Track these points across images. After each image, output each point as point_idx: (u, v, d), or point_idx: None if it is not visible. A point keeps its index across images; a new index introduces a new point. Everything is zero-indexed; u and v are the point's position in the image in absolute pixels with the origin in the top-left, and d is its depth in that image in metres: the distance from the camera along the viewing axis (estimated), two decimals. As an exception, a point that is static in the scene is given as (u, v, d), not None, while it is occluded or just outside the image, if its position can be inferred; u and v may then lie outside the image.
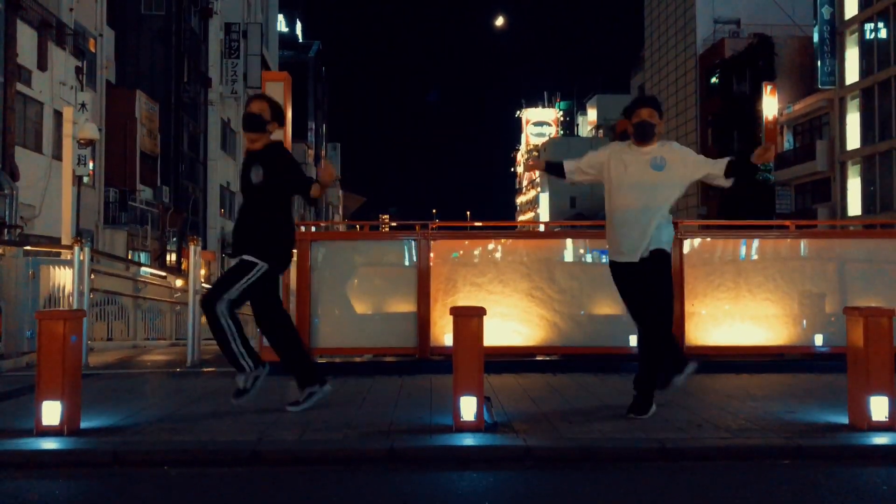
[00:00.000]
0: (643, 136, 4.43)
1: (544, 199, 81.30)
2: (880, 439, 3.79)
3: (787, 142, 37.27)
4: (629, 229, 4.38)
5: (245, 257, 4.41)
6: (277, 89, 5.70)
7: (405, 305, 6.47)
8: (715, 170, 4.45)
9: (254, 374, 4.46)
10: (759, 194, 37.51)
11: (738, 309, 6.53)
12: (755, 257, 6.71)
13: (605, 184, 4.55)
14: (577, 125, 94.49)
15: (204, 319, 4.64)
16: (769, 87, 36.90)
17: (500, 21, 52.90)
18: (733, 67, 40.49)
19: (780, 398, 4.93)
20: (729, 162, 4.43)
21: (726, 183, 4.47)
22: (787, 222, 6.92)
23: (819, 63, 33.54)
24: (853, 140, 32.55)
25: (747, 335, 6.51)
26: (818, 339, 6.61)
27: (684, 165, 4.44)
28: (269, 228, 4.46)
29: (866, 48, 31.80)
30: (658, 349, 4.38)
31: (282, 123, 4.65)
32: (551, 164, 4.89)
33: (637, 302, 4.40)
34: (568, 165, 4.75)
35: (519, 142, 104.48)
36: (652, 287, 4.34)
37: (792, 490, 3.31)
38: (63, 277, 7.61)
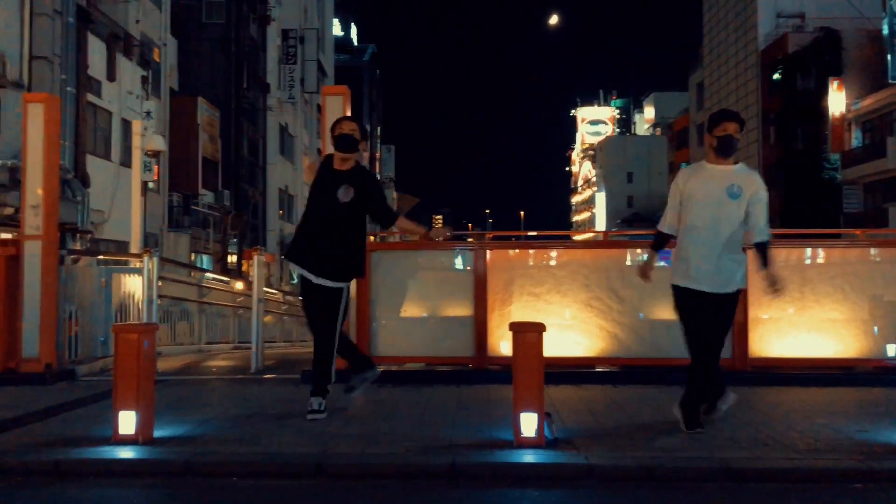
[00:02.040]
0: (727, 150, 4.32)
1: (600, 198, 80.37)
2: (959, 463, 3.65)
3: (856, 139, 35.94)
4: (703, 257, 4.29)
5: (330, 285, 4.70)
6: (337, 102, 5.77)
7: (462, 315, 6.51)
8: (756, 232, 4.31)
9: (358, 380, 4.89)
10: (826, 194, 36.28)
11: (804, 319, 6.36)
12: (821, 266, 6.52)
13: (682, 210, 4.43)
14: (634, 123, 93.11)
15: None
16: (836, 83, 35.63)
17: (554, 19, 52.44)
18: (797, 63, 39.22)
19: (851, 415, 4.79)
20: (760, 245, 4.30)
21: (748, 244, 4.40)
22: (856, 231, 6.69)
23: (889, 57, 32.23)
24: (926, 136, 31.20)
25: (814, 347, 6.33)
26: (891, 351, 6.38)
27: (748, 202, 4.30)
28: (354, 247, 4.73)
29: (940, 40, 30.44)
30: (706, 377, 4.36)
31: (366, 139, 4.88)
32: (656, 245, 4.66)
33: (700, 331, 4.34)
34: (664, 227, 4.53)
35: (574, 141, 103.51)
36: (721, 322, 4.33)
37: (864, 516, 3.23)
38: (133, 285, 7.90)
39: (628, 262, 6.62)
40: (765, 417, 4.69)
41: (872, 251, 6.61)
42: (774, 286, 4.26)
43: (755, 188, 4.32)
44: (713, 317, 4.32)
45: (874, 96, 34.32)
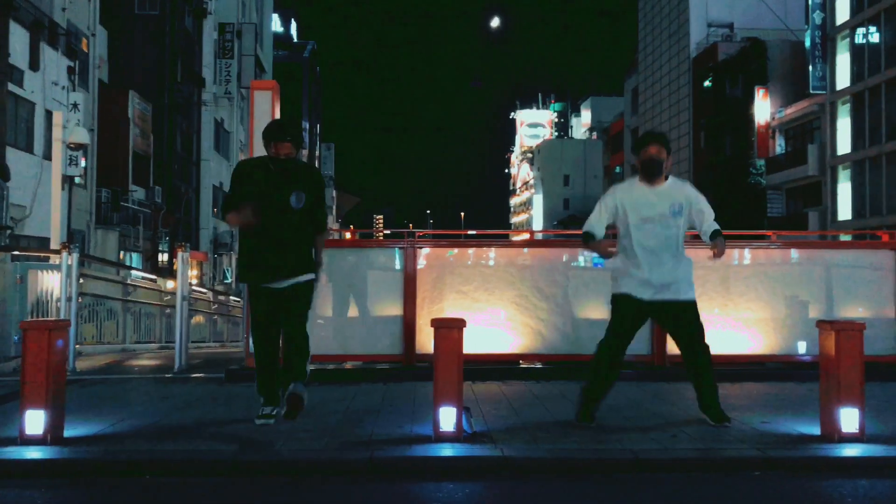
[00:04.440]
0: (651, 173, 4.43)
1: (538, 200, 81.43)
2: (849, 451, 3.87)
3: (779, 146, 37.45)
4: (656, 268, 4.42)
5: (303, 280, 4.68)
6: (265, 98, 5.66)
7: (392, 313, 6.53)
8: (705, 227, 4.49)
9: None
10: (751, 198, 37.69)
11: (720, 318, 6.61)
12: (737, 266, 6.79)
13: (619, 225, 4.57)
14: (571, 127, 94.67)
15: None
16: (761, 92, 37.08)
17: (495, 22, 52.88)
18: (726, 71, 40.65)
19: (757, 408, 5.01)
20: (714, 231, 4.44)
21: (704, 238, 4.54)
22: (768, 232, 6.99)
23: (811, 68, 33.71)
24: (844, 145, 32.72)
25: (729, 344, 6.58)
26: (801, 348, 6.69)
27: (691, 213, 4.48)
28: (310, 245, 4.77)
29: (857, 53, 31.97)
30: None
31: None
32: (588, 236, 4.68)
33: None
34: (594, 229, 4.58)
35: (513, 143, 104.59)
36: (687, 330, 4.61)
37: (760, 501, 3.39)
38: (51, 282, 7.64)
39: (560, 261, 6.76)
40: (678, 411, 4.87)
41: (785, 252, 6.92)
42: (716, 250, 4.39)
43: (691, 199, 4.49)
44: (672, 323, 4.62)
45: (796, 105, 35.84)
